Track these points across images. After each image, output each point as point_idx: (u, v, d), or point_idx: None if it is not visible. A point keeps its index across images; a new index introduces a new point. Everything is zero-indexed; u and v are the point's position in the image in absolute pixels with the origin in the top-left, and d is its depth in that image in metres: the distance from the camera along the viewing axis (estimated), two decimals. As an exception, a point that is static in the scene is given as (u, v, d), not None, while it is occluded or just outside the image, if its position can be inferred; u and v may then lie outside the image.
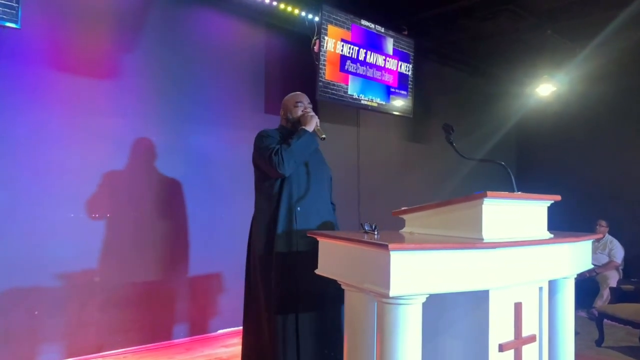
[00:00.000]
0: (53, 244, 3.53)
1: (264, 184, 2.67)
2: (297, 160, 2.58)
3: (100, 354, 3.70)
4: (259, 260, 2.68)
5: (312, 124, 2.67)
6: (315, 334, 2.60)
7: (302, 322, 2.58)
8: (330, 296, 2.59)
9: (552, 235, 2.29)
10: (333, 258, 2.10)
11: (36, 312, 3.45)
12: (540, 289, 2.29)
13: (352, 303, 2.10)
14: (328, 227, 2.73)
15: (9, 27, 3.06)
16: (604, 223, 6.17)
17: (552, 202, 2.31)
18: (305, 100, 2.80)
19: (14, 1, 3.03)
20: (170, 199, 4.21)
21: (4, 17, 3.01)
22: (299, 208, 2.62)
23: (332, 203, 2.92)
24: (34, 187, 3.48)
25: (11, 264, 3.35)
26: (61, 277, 3.57)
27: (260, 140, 2.64)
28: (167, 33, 4.20)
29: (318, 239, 2.19)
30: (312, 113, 2.72)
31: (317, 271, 2.19)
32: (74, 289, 3.62)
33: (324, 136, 2.68)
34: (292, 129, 2.74)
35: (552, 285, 2.43)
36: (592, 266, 2.68)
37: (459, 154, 2.49)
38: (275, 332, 2.56)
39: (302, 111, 2.74)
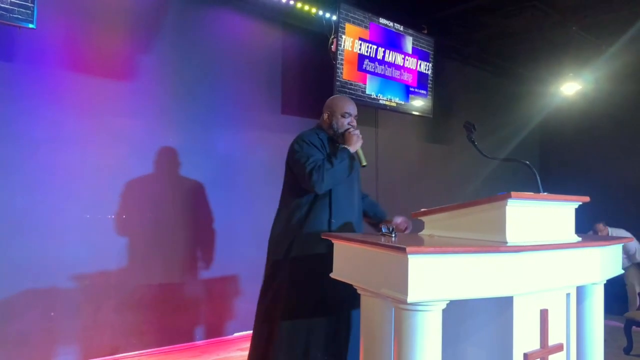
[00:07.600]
0: (69, 245, 3.52)
1: (297, 188, 2.54)
2: (336, 182, 2.49)
3: (116, 356, 3.68)
4: (278, 262, 2.60)
5: (357, 146, 2.56)
6: (326, 340, 2.54)
7: (317, 328, 2.52)
8: (348, 300, 2.52)
9: (580, 239, 2.18)
10: (348, 261, 2.04)
11: (52, 314, 3.44)
12: (568, 295, 2.19)
13: (368, 308, 2.02)
14: None
15: (24, 27, 3.05)
16: (601, 226, 5.87)
17: (580, 203, 2.20)
18: (354, 111, 2.67)
19: (30, 1, 3.01)
20: (187, 201, 4.18)
21: (20, 17, 2.99)
22: (333, 220, 2.52)
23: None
24: (50, 188, 3.48)
25: (27, 265, 3.35)
26: (77, 278, 3.56)
27: (301, 147, 2.51)
28: (183, 33, 4.18)
29: (333, 241, 2.13)
30: (359, 134, 2.60)
31: (332, 275, 2.13)
32: (89, 291, 3.61)
33: (365, 164, 2.59)
34: (332, 136, 2.64)
35: (580, 291, 2.32)
36: (623, 271, 2.54)
37: (481, 152, 2.40)
38: (288, 338, 2.50)
39: (349, 124, 2.63)
